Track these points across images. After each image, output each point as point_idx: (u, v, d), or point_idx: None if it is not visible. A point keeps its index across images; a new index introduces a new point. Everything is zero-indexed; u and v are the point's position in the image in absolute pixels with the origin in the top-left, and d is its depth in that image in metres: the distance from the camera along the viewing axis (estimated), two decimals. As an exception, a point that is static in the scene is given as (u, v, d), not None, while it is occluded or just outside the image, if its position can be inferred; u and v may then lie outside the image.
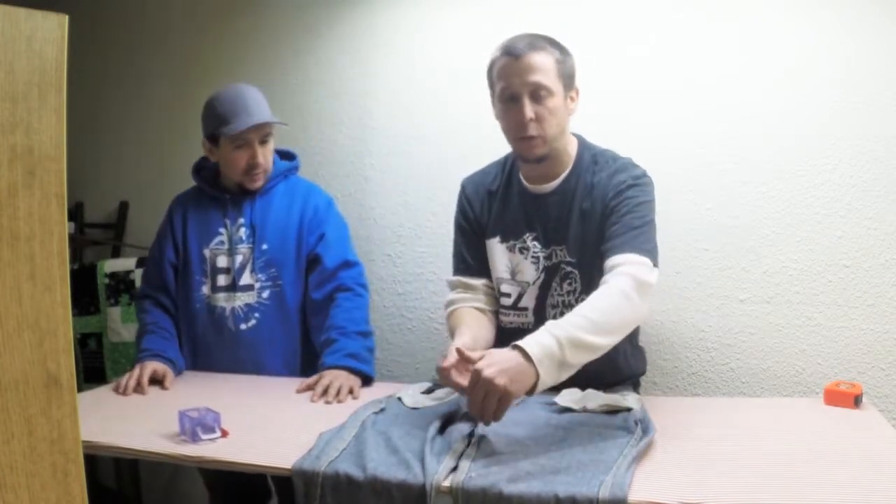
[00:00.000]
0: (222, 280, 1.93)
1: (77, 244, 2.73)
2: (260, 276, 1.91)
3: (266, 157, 1.91)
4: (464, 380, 1.31)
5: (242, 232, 1.93)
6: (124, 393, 1.70)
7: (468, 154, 2.18)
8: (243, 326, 1.91)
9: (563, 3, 2.14)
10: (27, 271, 0.76)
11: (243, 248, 1.93)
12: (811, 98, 1.94)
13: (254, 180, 1.92)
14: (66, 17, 0.77)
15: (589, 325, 1.33)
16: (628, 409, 1.46)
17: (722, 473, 1.16)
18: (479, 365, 1.26)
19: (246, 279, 1.92)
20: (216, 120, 1.88)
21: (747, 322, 2.02)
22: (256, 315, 1.91)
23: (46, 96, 0.76)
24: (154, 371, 1.77)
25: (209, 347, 1.93)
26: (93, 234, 2.79)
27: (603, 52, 2.09)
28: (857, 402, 1.53)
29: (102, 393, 1.75)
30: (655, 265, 1.49)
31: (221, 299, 1.92)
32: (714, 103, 2.02)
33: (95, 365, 2.53)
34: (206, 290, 1.94)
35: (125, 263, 2.53)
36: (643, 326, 1.92)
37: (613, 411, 1.46)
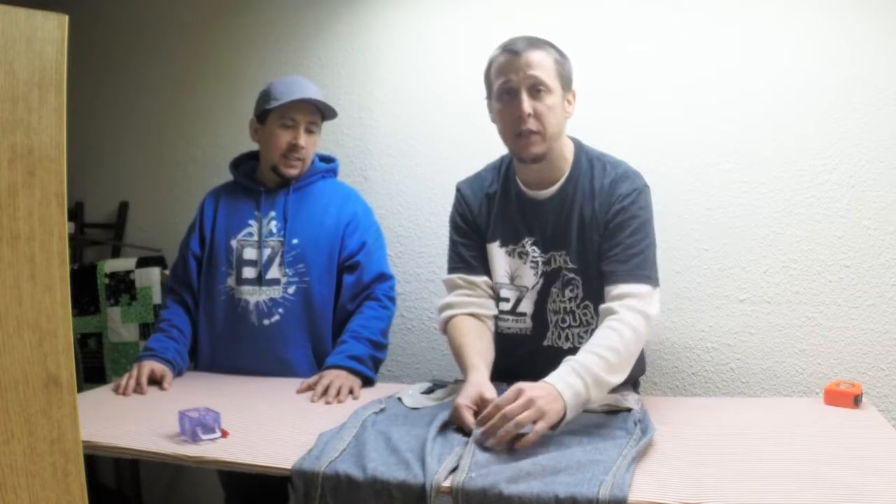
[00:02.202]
0: (248, 272, 1.91)
1: (77, 244, 2.73)
2: (288, 270, 1.89)
3: (308, 145, 1.91)
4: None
5: (273, 225, 1.93)
6: (124, 393, 1.70)
7: (468, 154, 2.17)
8: (266, 322, 1.89)
9: (563, 3, 2.14)
10: (27, 271, 0.76)
11: (272, 242, 1.92)
12: (811, 98, 1.94)
13: (290, 165, 1.91)
14: (66, 17, 0.77)
15: (608, 366, 1.39)
16: (628, 410, 1.46)
17: (722, 474, 1.16)
18: (522, 385, 1.30)
19: (273, 273, 1.90)
20: (267, 97, 1.90)
21: (747, 322, 2.02)
22: (280, 311, 1.89)
23: (46, 96, 0.77)
24: (152, 371, 1.77)
25: (230, 341, 1.92)
26: (93, 234, 2.79)
27: (602, 52, 2.09)
28: (857, 402, 1.54)
29: (102, 393, 1.75)
30: (657, 286, 1.54)
31: (246, 292, 1.90)
32: (714, 103, 2.02)
33: (95, 365, 2.53)
34: (230, 281, 1.93)
35: (125, 263, 2.53)
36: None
37: (613, 411, 1.46)
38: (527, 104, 1.51)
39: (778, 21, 1.96)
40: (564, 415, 1.30)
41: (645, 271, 1.52)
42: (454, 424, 1.36)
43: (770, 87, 1.97)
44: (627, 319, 1.45)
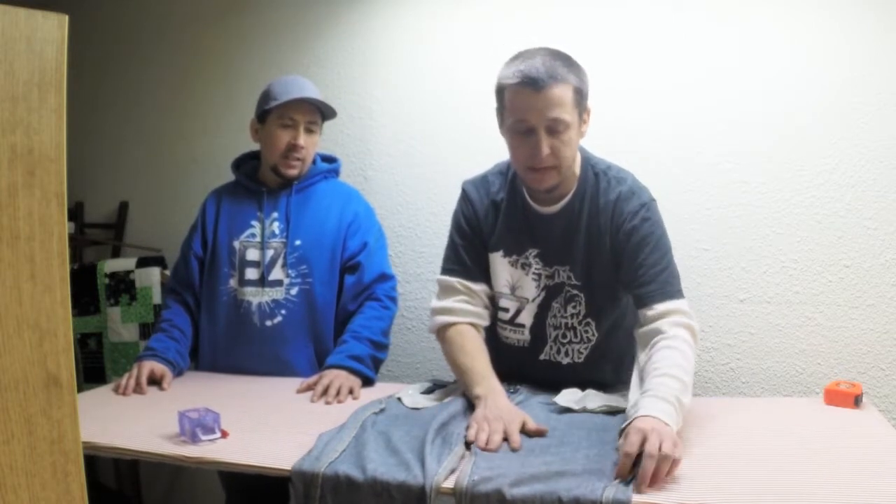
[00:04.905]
0: (251, 274, 1.91)
1: (77, 244, 2.73)
2: (290, 271, 1.89)
3: (308, 144, 1.91)
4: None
5: (276, 226, 1.92)
6: (124, 393, 1.70)
7: (468, 154, 2.18)
8: (268, 323, 1.89)
9: (563, 3, 2.14)
10: (27, 271, 0.76)
11: (275, 243, 1.91)
12: (811, 98, 1.94)
13: (290, 166, 1.91)
14: (66, 17, 0.77)
15: (684, 389, 1.33)
16: (628, 410, 1.46)
17: (722, 473, 1.16)
18: (647, 447, 1.13)
19: (276, 274, 1.90)
20: (267, 97, 1.90)
21: (747, 322, 2.02)
22: (283, 312, 1.89)
23: (46, 96, 0.76)
24: (151, 371, 1.76)
25: (231, 342, 1.92)
26: (93, 234, 2.79)
27: (602, 52, 2.09)
28: (857, 402, 1.54)
29: (102, 393, 1.75)
30: (684, 296, 1.51)
31: (248, 294, 1.90)
32: (714, 103, 2.02)
33: (95, 365, 2.53)
34: (233, 283, 1.92)
35: (125, 263, 2.53)
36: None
37: (613, 412, 1.46)
38: (545, 146, 1.43)
39: (778, 21, 1.96)
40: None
41: (674, 286, 1.49)
42: (454, 423, 1.36)
43: (770, 87, 1.97)
44: (682, 336, 1.40)
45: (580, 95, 1.46)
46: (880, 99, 1.89)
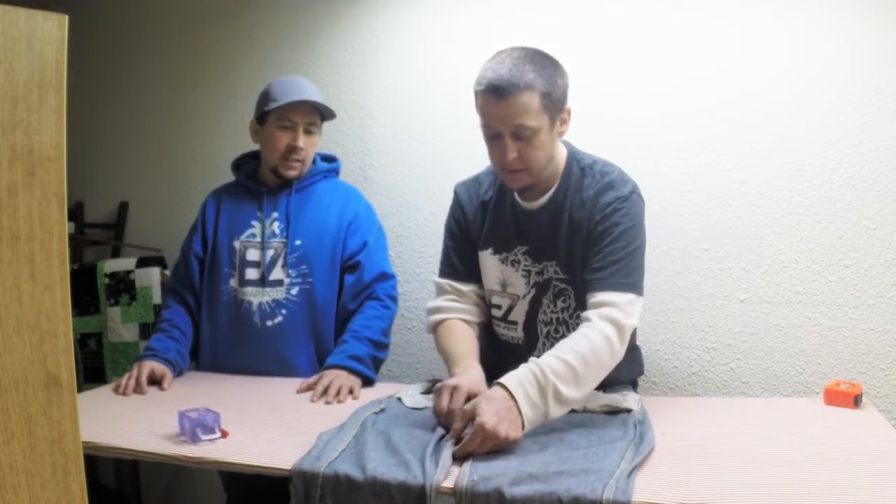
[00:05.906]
0: (251, 274, 1.91)
1: (77, 244, 2.73)
2: (291, 271, 1.89)
3: (307, 146, 1.91)
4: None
5: (276, 226, 1.93)
6: (124, 393, 1.70)
7: (468, 154, 2.17)
8: (269, 323, 1.89)
9: (563, 3, 2.14)
10: (27, 271, 0.76)
11: (275, 243, 1.92)
12: (811, 98, 1.94)
13: (289, 167, 1.91)
14: (66, 17, 0.77)
15: (571, 377, 1.34)
16: (628, 411, 1.46)
17: (722, 474, 1.16)
18: (479, 419, 1.25)
19: (276, 274, 1.90)
20: (266, 98, 1.90)
21: (747, 322, 2.02)
22: (283, 312, 1.89)
23: (46, 96, 0.76)
24: (152, 371, 1.77)
25: (232, 342, 1.92)
26: (93, 234, 2.79)
27: (602, 52, 2.09)
28: (857, 402, 1.54)
29: (102, 393, 1.75)
30: (639, 294, 1.48)
31: (249, 294, 1.90)
32: (714, 103, 2.02)
33: (95, 365, 2.53)
34: (233, 283, 1.92)
35: (125, 263, 2.53)
36: (642, 326, 1.92)
37: (613, 412, 1.46)
38: (510, 151, 1.46)
39: (778, 21, 1.96)
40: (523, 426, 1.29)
41: (624, 279, 1.46)
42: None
43: (770, 87, 1.97)
44: (600, 328, 1.40)
45: (549, 99, 1.44)
46: (880, 99, 1.89)
